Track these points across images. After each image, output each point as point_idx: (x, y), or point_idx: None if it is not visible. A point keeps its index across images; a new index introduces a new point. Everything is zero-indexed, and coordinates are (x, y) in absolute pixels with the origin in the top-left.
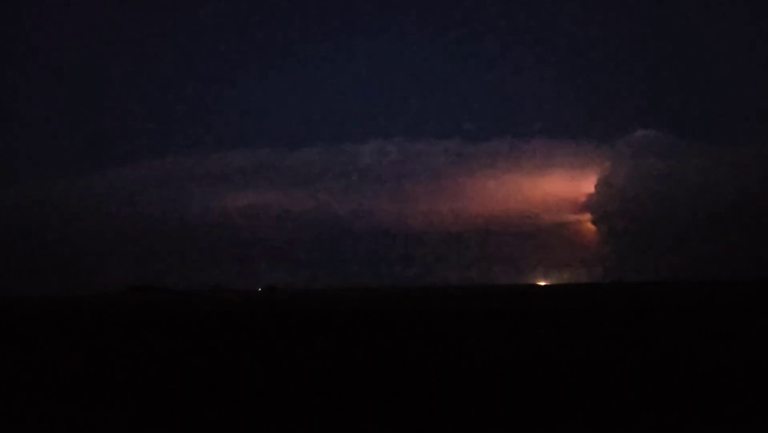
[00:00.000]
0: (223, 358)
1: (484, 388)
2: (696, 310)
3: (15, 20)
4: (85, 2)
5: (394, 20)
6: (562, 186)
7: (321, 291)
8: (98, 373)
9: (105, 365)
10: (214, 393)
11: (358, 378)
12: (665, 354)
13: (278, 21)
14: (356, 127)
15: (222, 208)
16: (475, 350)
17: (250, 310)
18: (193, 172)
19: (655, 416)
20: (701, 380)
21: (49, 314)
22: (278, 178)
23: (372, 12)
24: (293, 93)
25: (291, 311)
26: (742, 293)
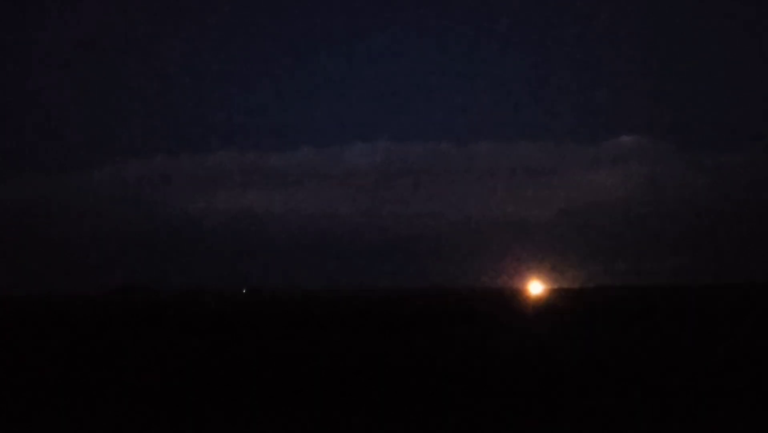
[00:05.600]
0: (215, 358)
1: (479, 388)
2: (681, 313)
3: (18, 17)
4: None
5: (379, 25)
6: (546, 190)
7: (306, 292)
8: (91, 374)
9: (98, 366)
10: (210, 392)
11: (345, 379)
12: (655, 356)
13: (265, 26)
14: (341, 130)
15: (206, 210)
16: (460, 352)
17: (236, 311)
18: (178, 174)
19: (651, 417)
20: (688, 382)
21: (37, 315)
22: (263, 179)
23: (357, 17)
24: (279, 96)
25: (276, 313)
26: (725, 297)
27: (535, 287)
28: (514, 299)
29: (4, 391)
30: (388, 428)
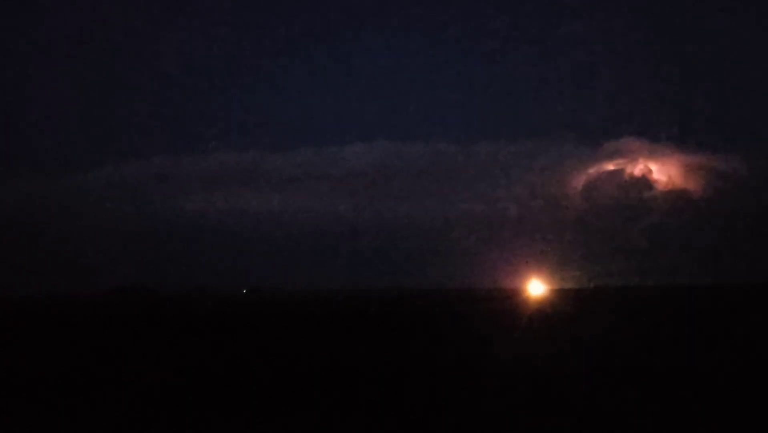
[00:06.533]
0: (215, 358)
1: (479, 388)
2: (682, 314)
3: (15, 15)
4: None
5: (377, 23)
6: (546, 190)
7: (305, 292)
8: (91, 374)
9: (98, 366)
10: (210, 392)
11: (344, 379)
12: (654, 356)
13: (264, 25)
14: (340, 130)
15: (205, 210)
16: (460, 352)
17: (236, 311)
18: (177, 173)
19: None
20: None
21: (37, 315)
22: (263, 179)
23: (354, 15)
24: (279, 96)
25: (276, 313)
26: (725, 297)
27: (535, 288)
28: (514, 299)
29: (4, 391)
30: (388, 428)
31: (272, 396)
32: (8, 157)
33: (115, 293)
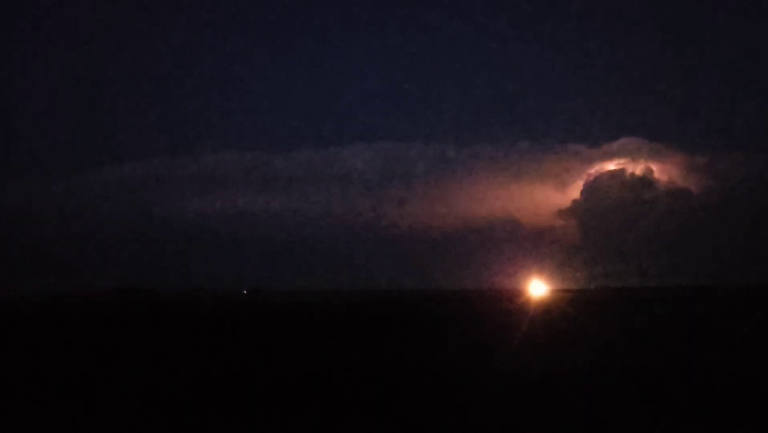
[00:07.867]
0: (215, 358)
1: (478, 388)
2: (682, 314)
3: (14, 15)
4: None
5: (378, 24)
6: (546, 191)
7: (306, 292)
8: (90, 374)
9: (98, 366)
10: (210, 392)
11: (344, 379)
12: (656, 357)
13: (264, 25)
14: (341, 130)
15: (205, 210)
16: (460, 352)
17: (236, 312)
18: (177, 174)
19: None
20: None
21: (37, 315)
22: (263, 180)
23: (356, 16)
24: (278, 97)
25: (276, 313)
26: (724, 298)
27: (535, 288)
28: (514, 299)
29: (4, 391)
30: (387, 429)
31: (272, 396)
32: (8, 158)
33: (115, 293)
